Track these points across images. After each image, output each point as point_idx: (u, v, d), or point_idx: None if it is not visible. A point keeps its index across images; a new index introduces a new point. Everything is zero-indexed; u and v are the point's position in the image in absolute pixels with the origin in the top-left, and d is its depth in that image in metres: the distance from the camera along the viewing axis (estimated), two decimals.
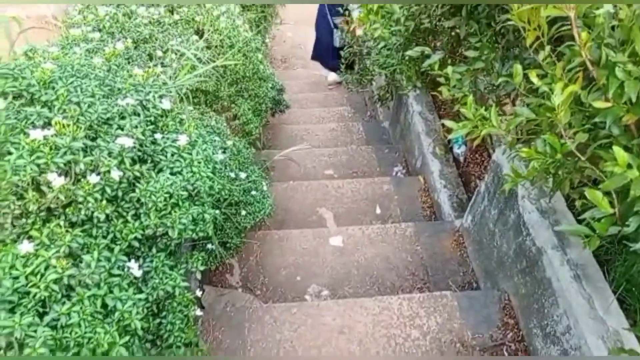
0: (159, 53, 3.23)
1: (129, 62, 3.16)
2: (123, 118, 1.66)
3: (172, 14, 3.53)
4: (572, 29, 1.17)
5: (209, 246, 2.43)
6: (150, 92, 1.80)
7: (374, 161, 4.96)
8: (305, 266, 3.17)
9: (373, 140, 5.49)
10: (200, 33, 3.62)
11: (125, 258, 1.41)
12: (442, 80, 2.45)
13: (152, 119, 1.74)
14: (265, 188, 2.90)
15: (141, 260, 1.48)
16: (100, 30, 3.22)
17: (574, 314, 2.16)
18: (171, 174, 1.63)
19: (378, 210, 3.91)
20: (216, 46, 3.51)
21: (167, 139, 1.70)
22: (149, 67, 1.97)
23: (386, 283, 3.11)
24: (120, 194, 1.48)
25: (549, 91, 1.20)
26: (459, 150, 4.26)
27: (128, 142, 1.48)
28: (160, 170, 1.63)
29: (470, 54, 2.37)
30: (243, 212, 2.79)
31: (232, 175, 2.72)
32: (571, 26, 1.16)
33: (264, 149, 5.17)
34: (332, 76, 7.28)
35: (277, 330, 2.64)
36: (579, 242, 2.45)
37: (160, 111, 1.78)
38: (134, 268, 1.39)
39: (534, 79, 1.24)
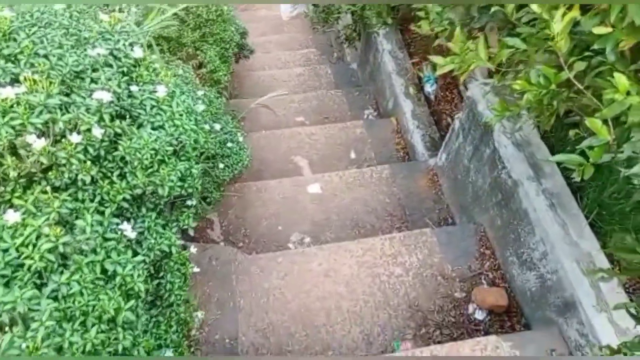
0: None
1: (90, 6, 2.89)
2: (95, 70, 1.52)
3: None
4: None
5: (189, 202, 2.37)
6: (119, 40, 1.65)
7: (344, 105, 4.89)
8: (285, 215, 3.17)
9: (342, 84, 5.39)
10: None
11: (117, 220, 1.34)
12: (421, 14, 2.38)
13: (125, 69, 1.61)
14: (240, 139, 2.81)
15: (132, 221, 1.41)
16: None
17: (550, 240, 2.28)
18: (153, 128, 1.54)
19: (353, 155, 3.91)
20: None
21: (144, 90, 1.59)
22: (113, 12, 1.80)
23: (366, 226, 3.17)
24: (102, 153, 1.38)
25: (550, 19, 1.17)
26: (430, 89, 4.25)
27: (106, 97, 1.37)
28: (141, 126, 1.53)
29: None
30: (221, 165, 2.72)
31: (207, 127, 2.61)
32: None
33: (231, 99, 4.99)
34: (284, 8, 7.00)
35: (265, 279, 2.67)
36: (553, 172, 2.55)
37: (133, 61, 1.65)
38: (128, 230, 1.33)
39: (534, 6, 1.21)
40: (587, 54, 1.31)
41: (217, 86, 3.61)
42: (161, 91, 1.57)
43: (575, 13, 1.19)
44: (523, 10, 1.53)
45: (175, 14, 3.22)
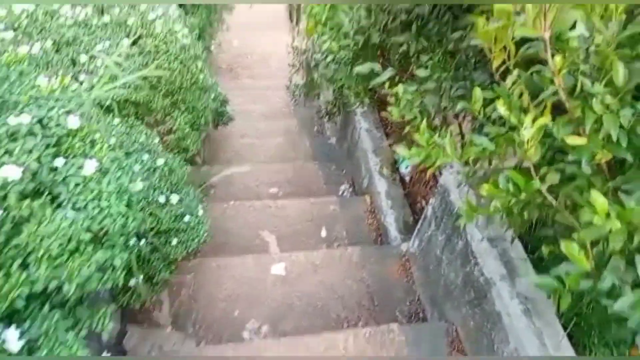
0: (84, 58, 2.86)
1: (47, 68, 2.77)
2: (15, 140, 1.34)
3: (102, 14, 3.17)
4: (544, 52, 1.03)
5: (132, 282, 2.11)
6: (54, 106, 1.48)
7: (320, 179, 4.77)
8: (244, 298, 2.89)
9: (320, 157, 5.31)
10: (133, 38, 3.28)
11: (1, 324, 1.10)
12: (391, 99, 2.30)
13: (55, 140, 1.43)
14: (200, 212, 2.60)
15: (28, 323, 1.17)
16: (15, 30, 2.81)
17: (526, 351, 2.06)
18: (73, 209, 1.32)
19: (324, 233, 3.71)
20: (149, 52, 3.18)
21: (72, 165, 1.39)
22: (60, 76, 1.65)
23: (331, 315, 2.90)
24: (2, 239, 1.16)
25: (518, 123, 1.05)
26: (405, 169, 4.17)
27: (13, 173, 1.17)
28: (60, 206, 1.32)
29: (421, 73, 2.23)
30: (174, 241, 2.48)
31: (162, 199, 2.41)
32: (544, 49, 1.01)
33: (204, 165, 4.84)
34: None
35: None
36: (527, 271, 2.38)
37: (67, 130, 1.47)
38: (11, 340, 1.07)
39: (501, 108, 1.09)
40: (560, 162, 1.18)
41: (186, 154, 3.46)
42: (91, 167, 1.39)
43: (546, 119, 1.06)
44: (491, 107, 1.43)
45: (145, 78, 3.13)
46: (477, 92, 1.32)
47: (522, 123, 1.03)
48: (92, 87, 2.07)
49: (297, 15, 10.22)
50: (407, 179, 4.13)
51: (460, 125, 3.05)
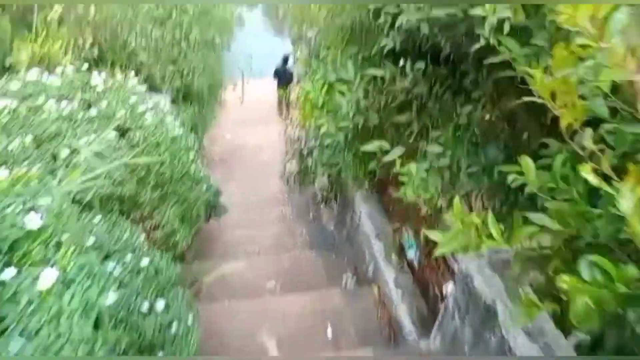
0: (65, 152, 2.65)
1: (26, 162, 2.54)
2: None
3: (89, 108, 3.02)
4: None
5: None
6: (11, 203, 1.21)
7: (320, 269, 4.40)
8: None
9: (318, 245, 4.98)
10: (122, 130, 3.11)
11: None
12: (404, 179, 2.07)
13: (7, 245, 1.13)
14: (190, 321, 2.23)
15: None
16: None
17: None
18: (22, 336, 0.99)
19: (329, 334, 3.27)
20: (138, 143, 3.00)
21: (25, 277, 1.08)
22: (22, 169, 1.39)
23: None
24: None
25: (614, 193, 0.79)
26: (413, 255, 3.85)
27: None
28: (4, 332, 0.99)
29: (434, 149, 2.03)
30: (160, 354, 2.08)
31: (146, 306, 2.05)
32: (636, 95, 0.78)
33: (195, 260, 4.47)
34: None
35: None
36: None
37: (24, 232, 1.18)
38: None
39: (589, 175, 0.83)
40: None
41: (174, 250, 3.14)
42: (48, 278, 1.08)
43: None
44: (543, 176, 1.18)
45: (132, 170, 2.91)
46: (528, 162, 1.08)
47: (617, 191, 0.78)
48: (60, 180, 1.81)
49: (287, 109, 10.46)
50: (416, 264, 3.80)
51: (470, 204, 2.81)
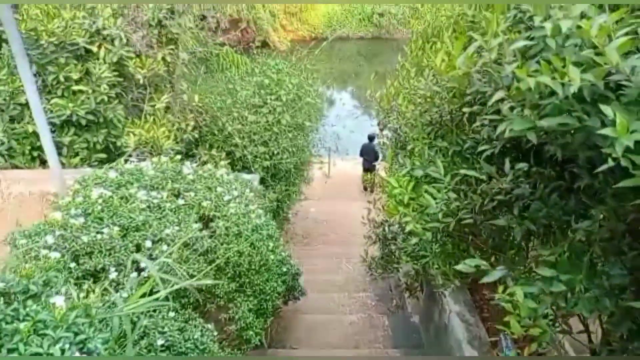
0: (148, 244, 2.66)
1: (109, 254, 2.56)
2: None
3: (177, 198, 3.07)
4: None
5: None
6: (58, 339, 1.09)
7: None
8: None
9: (401, 340, 4.49)
10: (206, 219, 3.11)
11: None
12: (507, 306, 1.70)
13: None
14: None
15: None
16: (87, 215, 2.73)
17: None
18: None
19: None
20: (220, 235, 2.95)
21: None
22: (84, 290, 1.30)
23: None
24: None
25: None
26: (509, 352, 3.25)
27: None
28: None
29: (545, 272, 1.65)
30: None
31: None
32: None
33: (270, 347, 4.23)
34: None
35: None
36: None
37: None
38: None
39: None
40: None
41: (247, 345, 2.94)
42: None
43: None
44: None
45: (212, 261, 2.83)
46: None
47: None
48: (127, 299, 1.70)
49: (372, 186, 10.33)
50: None
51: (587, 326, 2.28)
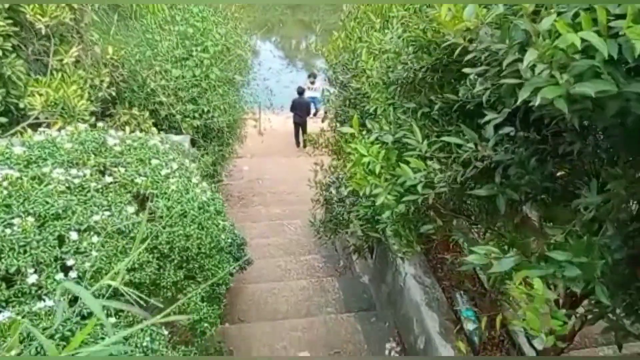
0: (74, 235, 2.15)
1: (25, 252, 2.03)
2: None
3: (103, 175, 2.52)
4: None
5: None
6: None
7: (359, 335, 3.83)
8: None
9: (353, 303, 4.41)
10: (141, 199, 2.62)
11: None
12: (516, 295, 1.52)
13: None
14: None
15: None
16: None
17: None
18: None
19: None
20: (162, 217, 2.49)
21: None
22: None
23: None
24: None
25: None
26: (472, 327, 3.27)
27: None
28: None
29: (557, 255, 1.48)
30: None
31: None
32: None
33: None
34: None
35: None
36: None
37: None
38: None
39: None
40: None
41: (201, 338, 2.59)
42: None
43: None
44: None
45: (154, 248, 2.39)
46: None
47: None
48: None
49: (304, 141, 10.00)
50: (477, 339, 3.21)
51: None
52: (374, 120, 2.47)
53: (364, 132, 2.44)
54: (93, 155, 2.51)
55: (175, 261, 2.51)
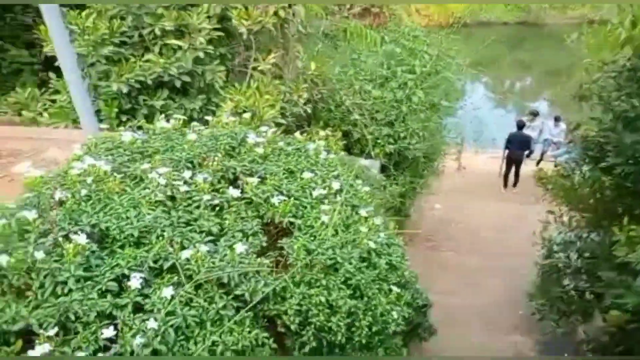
0: (135, 282, 1.15)
1: None
2: None
3: (231, 185, 1.53)
4: None
5: None
6: None
7: None
8: None
9: None
10: (276, 231, 1.54)
11: None
12: None
13: None
14: None
15: None
16: (62, 204, 1.34)
17: None
18: None
19: None
20: (295, 264, 1.34)
21: None
22: None
23: None
24: None
25: None
26: None
27: None
28: None
29: None
30: None
31: None
32: None
33: None
34: None
35: None
36: None
37: None
38: None
39: None
40: None
41: None
42: None
43: None
44: None
45: (275, 316, 1.24)
46: None
47: None
48: None
49: (515, 181, 7.77)
50: None
51: None
52: None
53: None
54: (222, 156, 1.54)
55: (307, 348, 1.29)
